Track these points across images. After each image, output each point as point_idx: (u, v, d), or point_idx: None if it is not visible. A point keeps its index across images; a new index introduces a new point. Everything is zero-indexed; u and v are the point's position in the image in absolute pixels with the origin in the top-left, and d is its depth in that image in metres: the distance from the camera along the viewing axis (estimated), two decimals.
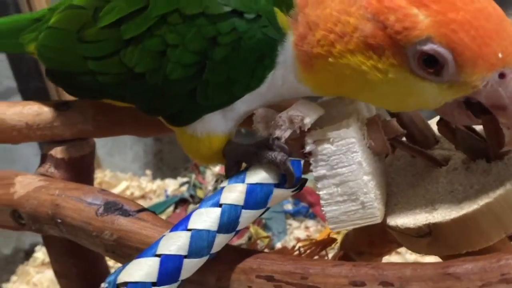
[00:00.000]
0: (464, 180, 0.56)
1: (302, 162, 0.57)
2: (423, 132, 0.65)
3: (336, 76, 0.53)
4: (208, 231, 0.54)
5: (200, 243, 0.54)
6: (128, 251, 0.64)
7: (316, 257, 0.86)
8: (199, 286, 0.58)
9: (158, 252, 0.54)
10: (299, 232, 1.25)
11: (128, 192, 1.59)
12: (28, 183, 0.73)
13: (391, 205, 0.61)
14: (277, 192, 0.57)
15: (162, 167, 1.72)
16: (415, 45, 0.47)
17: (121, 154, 1.86)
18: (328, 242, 0.88)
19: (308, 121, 0.57)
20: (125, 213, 0.65)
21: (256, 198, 0.56)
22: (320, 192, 0.57)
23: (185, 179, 1.55)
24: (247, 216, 0.56)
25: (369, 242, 0.75)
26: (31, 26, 0.76)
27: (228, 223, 0.55)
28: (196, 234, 0.54)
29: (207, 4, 0.55)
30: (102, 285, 0.54)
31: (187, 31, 0.56)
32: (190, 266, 0.54)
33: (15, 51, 0.81)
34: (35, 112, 0.76)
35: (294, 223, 1.29)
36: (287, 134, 0.58)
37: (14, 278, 1.36)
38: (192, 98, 0.58)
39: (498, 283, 0.45)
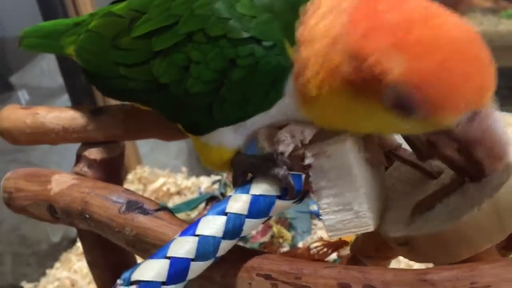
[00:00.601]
0: (445, 198, 0.59)
1: (303, 176, 0.61)
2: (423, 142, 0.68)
3: (327, 112, 0.57)
4: (214, 237, 0.59)
5: (206, 248, 0.59)
6: (146, 246, 0.70)
7: (327, 258, 0.91)
8: (206, 282, 0.63)
9: (168, 255, 0.58)
10: (322, 232, 1.29)
11: (164, 188, 1.66)
12: (63, 181, 0.80)
13: (384, 211, 0.65)
14: (279, 203, 0.61)
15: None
16: (390, 88, 0.48)
17: (163, 150, 1.95)
18: (339, 244, 0.91)
19: (308, 133, 0.62)
20: (145, 212, 0.72)
21: (259, 208, 0.61)
22: (319, 202, 0.61)
23: (217, 177, 1.61)
24: (250, 224, 0.61)
25: (375, 246, 0.78)
26: (72, 30, 0.81)
27: (233, 230, 0.60)
28: (203, 240, 0.59)
29: (230, 28, 0.59)
30: (118, 281, 0.59)
31: (210, 50, 0.60)
32: (196, 268, 0.59)
33: (56, 52, 0.87)
34: (71, 116, 0.83)
35: (319, 223, 1.33)
36: (290, 148, 0.62)
37: (57, 264, 1.45)
38: (209, 112, 0.63)
39: None
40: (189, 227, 0.61)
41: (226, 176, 1.53)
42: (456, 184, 0.59)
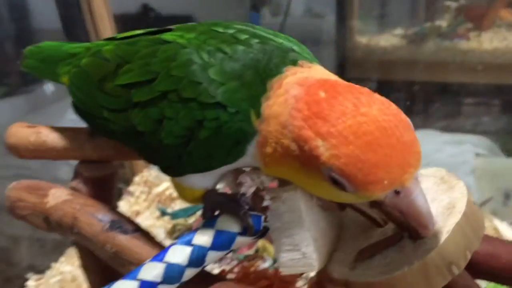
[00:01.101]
0: (384, 250, 0.65)
1: (263, 217, 0.69)
2: None
3: (286, 176, 0.65)
4: (179, 265, 0.67)
5: (172, 273, 0.67)
6: (123, 262, 0.79)
7: (297, 281, 0.98)
8: None
9: (138, 277, 0.66)
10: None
11: (167, 192, 1.74)
12: (58, 195, 0.89)
13: (334, 251, 0.72)
14: (240, 239, 0.69)
15: None
16: (324, 168, 0.56)
17: None
18: None
19: (267, 179, 0.70)
20: (125, 231, 0.80)
21: (222, 242, 0.68)
22: (274, 241, 0.68)
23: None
24: (212, 256, 0.68)
25: None
26: (68, 60, 0.85)
27: (196, 260, 0.67)
28: (170, 267, 0.67)
29: (200, 92, 0.65)
30: None
31: (181, 109, 0.66)
32: None
33: (52, 79, 0.90)
34: (70, 137, 0.91)
35: None
36: (251, 190, 0.70)
37: (62, 259, 1.55)
38: (179, 160, 0.70)
39: None
40: (159, 254, 0.69)
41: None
42: (396, 238, 0.66)
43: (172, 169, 0.73)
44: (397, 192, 0.56)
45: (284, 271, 0.69)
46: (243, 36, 0.69)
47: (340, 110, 0.56)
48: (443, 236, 0.59)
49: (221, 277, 0.77)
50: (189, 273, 0.68)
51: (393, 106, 0.57)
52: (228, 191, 0.77)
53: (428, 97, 2.70)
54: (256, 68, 0.65)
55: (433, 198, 0.67)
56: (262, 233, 0.70)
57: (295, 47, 0.71)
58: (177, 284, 0.68)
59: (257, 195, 0.72)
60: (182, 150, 0.68)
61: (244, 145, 0.65)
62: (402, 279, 0.59)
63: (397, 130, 0.55)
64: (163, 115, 0.68)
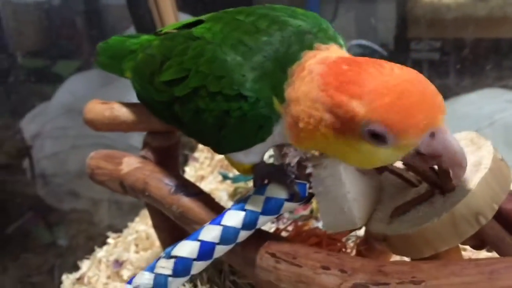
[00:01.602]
0: (417, 205, 0.71)
1: (308, 185, 0.76)
2: None
3: (320, 148, 0.71)
4: (235, 227, 0.75)
5: (228, 236, 0.75)
6: (187, 221, 0.90)
7: (344, 238, 1.06)
8: (230, 252, 0.79)
9: (199, 238, 0.75)
10: None
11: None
12: (131, 163, 1.01)
13: (374, 210, 0.78)
14: (287, 204, 0.77)
15: None
16: (361, 127, 0.61)
17: None
18: None
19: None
20: (188, 194, 0.91)
21: (271, 208, 0.76)
22: (319, 204, 0.75)
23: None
24: (263, 220, 0.76)
25: None
26: (129, 56, 0.96)
27: (249, 223, 0.76)
28: (226, 229, 0.75)
29: (223, 85, 0.72)
30: (162, 254, 0.77)
31: (211, 102, 0.74)
32: (220, 250, 0.76)
33: (120, 75, 1.01)
34: (139, 111, 1.02)
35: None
36: (295, 160, 0.78)
37: (137, 219, 1.70)
38: (219, 143, 0.79)
39: (408, 283, 0.62)
40: (217, 218, 0.77)
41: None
42: (428, 195, 0.71)
43: (216, 149, 0.82)
44: (432, 135, 0.60)
45: (329, 230, 0.77)
46: (263, 24, 0.75)
47: (366, 74, 0.61)
48: (469, 190, 0.64)
49: (275, 235, 0.85)
50: (243, 235, 0.76)
51: (412, 69, 0.62)
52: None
53: (495, 54, 2.61)
54: (275, 59, 0.71)
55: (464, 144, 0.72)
56: (308, 199, 0.77)
57: (312, 28, 0.75)
58: (233, 245, 0.76)
59: (301, 165, 0.79)
60: (218, 135, 0.76)
61: (268, 128, 0.72)
62: (432, 229, 0.65)
63: (421, 83, 0.61)
64: (197, 107, 0.76)
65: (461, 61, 2.55)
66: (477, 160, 0.67)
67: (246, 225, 0.76)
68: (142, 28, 1.98)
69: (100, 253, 1.51)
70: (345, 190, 0.72)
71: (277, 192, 0.76)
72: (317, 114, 0.64)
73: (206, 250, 0.75)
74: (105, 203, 1.75)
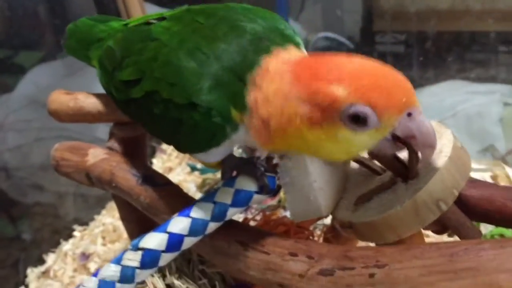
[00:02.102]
0: (381, 193, 0.73)
1: (277, 177, 0.77)
2: None
3: (290, 145, 0.68)
4: (204, 219, 0.75)
5: (197, 227, 0.75)
6: (156, 211, 0.89)
7: (311, 226, 1.08)
8: (199, 242, 0.80)
9: (168, 230, 0.75)
10: None
11: None
12: (97, 154, 1.00)
13: (340, 199, 0.80)
14: (256, 197, 0.77)
15: None
16: (343, 111, 0.60)
17: None
18: None
19: None
20: (156, 185, 0.90)
21: (240, 200, 0.76)
22: (285, 194, 0.76)
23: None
24: (232, 212, 0.77)
25: None
26: (96, 44, 0.95)
27: (218, 215, 0.76)
28: (195, 221, 0.75)
29: (175, 93, 0.72)
30: (129, 247, 0.76)
31: (163, 108, 0.74)
32: (189, 242, 0.76)
33: (86, 62, 0.99)
34: (105, 102, 1.00)
35: None
36: (264, 153, 0.78)
37: (103, 211, 1.68)
38: (177, 144, 0.79)
39: (373, 267, 0.64)
40: (185, 209, 0.77)
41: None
42: (390, 183, 0.73)
43: (176, 148, 0.82)
44: (409, 115, 0.61)
45: (296, 219, 0.78)
46: (222, 30, 0.73)
47: (338, 62, 0.63)
48: (430, 177, 0.66)
49: (244, 224, 0.86)
50: (212, 227, 0.76)
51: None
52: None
53: (457, 47, 2.67)
54: (232, 68, 0.70)
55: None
56: (276, 191, 0.79)
57: (269, 31, 0.74)
58: (201, 236, 0.76)
59: (269, 157, 0.80)
60: (175, 137, 0.77)
61: (222, 135, 0.72)
62: (395, 216, 0.67)
63: (390, 70, 0.63)
64: (152, 110, 0.76)
65: (424, 53, 2.60)
66: (438, 148, 0.70)
67: (215, 217, 0.76)
68: None
69: (66, 246, 1.49)
70: (311, 180, 0.74)
71: (247, 184, 0.77)
72: (290, 109, 0.64)
73: (174, 242, 0.75)
74: (70, 196, 1.72)
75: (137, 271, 0.75)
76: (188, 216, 0.76)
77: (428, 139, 0.63)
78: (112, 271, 0.75)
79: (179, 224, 0.75)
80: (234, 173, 0.81)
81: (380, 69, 0.63)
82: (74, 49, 1.02)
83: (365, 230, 0.72)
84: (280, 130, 0.66)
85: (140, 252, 0.75)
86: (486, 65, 2.68)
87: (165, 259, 0.76)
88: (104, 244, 1.47)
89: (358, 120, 0.61)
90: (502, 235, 1.18)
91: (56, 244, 1.52)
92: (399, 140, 0.64)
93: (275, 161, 0.76)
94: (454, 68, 2.63)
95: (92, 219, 1.64)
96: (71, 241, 1.53)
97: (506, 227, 0.84)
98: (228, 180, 0.79)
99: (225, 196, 0.76)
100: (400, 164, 0.72)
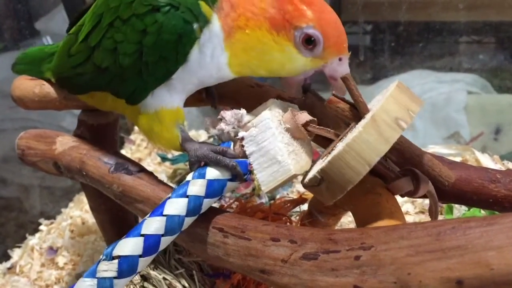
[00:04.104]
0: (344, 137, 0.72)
1: (248, 162, 0.74)
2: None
3: (246, 45, 0.74)
4: (179, 216, 0.72)
5: (173, 225, 0.72)
6: (129, 200, 0.86)
7: (290, 212, 1.06)
8: None
9: (142, 233, 0.71)
10: (300, 186, 1.43)
11: None
12: (65, 142, 0.96)
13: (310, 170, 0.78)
14: (230, 184, 0.75)
15: (197, 119, 1.91)
16: (302, 29, 0.71)
17: None
18: (300, 201, 1.07)
19: (246, 118, 0.75)
20: (129, 172, 0.87)
21: (214, 190, 0.74)
22: (253, 165, 0.74)
23: (213, 132, 1.74)
24: (207, 203, 0.74)
25: (323, 204, 0.93)
26: (48, 59, 0.96)
27: (194, 209, 0.73)
28: (170, 219, 0.72)
29: (135, 7, 0.75)
30: (101, 257, 0.71)
31: (126, 29, 0.76)
32: (166, 241, 0.72)
33: (38, 76, 1.00)
34: None
35: (298, 177, 1.45)
36: (229, 127, 0.76)
37: (71, 204, 1.63)
38: (141, 77, 0.77)
39: (358, 249, 0.63)
40: (157, 209, 0.73)
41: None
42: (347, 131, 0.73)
43: (137, 93, 0.80)
44: (340, 60, 0.74)
45: (266, 188, 0.74)
46: None
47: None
48: (384, 99, 0.67)
49: (221, 209, 0.84)
50: (188, 222, 0.74)
51: None
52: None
53: (421, 36, 2.71)
54: None
55: (378, 100, 0.74)
56: (249, 173, 0.76)
57: None
58: (178, 233, 0.73)
59: (235, 138, 0.77)
60: (139, 65, 0.76)
61: (189, 37, 0.74)
62: (360, 139, 0.66)
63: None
64: (115, 42, 0.77)
65: (391, 43, 2.63)
66: (386, 90, 0.72)
67: (191, 211, 0.73)
68: (72, 7, 1.88)
69: (33, 240, 1.44)
70: (276, 141, 0.72)
71: (218, 174, 0.74)
72: (262, 5, 0.73)
73: (151, 244, 0.71)
74: (35, 189, 1.66)
75: (115, 281, 0.71)
76: (161, 215, 0.72)
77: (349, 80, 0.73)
78: (88, 285, 0.70)
79: (153, 224, 0.72)
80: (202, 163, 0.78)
81: (335, 15, 0.75)
82: (24, 70, 1.03)
83: (334, 171, 0.69)
84: (244, 19, 0.73)
85: (115, 261, 0.70)
86: (450, 55, 2.73)
87: (143, 263, 0.72)
88: (72, 238, 1.43)
89: (307, 43, 0.72)
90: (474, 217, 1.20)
91: (22, 239, 1.46)
92: None
93: (240, 134, 0.74)
94: (421, 57, 2.67)
95: (59, 212, 1.59)
96: (37, 235, 1.48)
97: (484, 209, 0.85)
98: (198, 172, 0.76)
99: (198, 189, 0.73)
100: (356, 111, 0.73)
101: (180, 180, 1.59)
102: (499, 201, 0.79)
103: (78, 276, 1.27)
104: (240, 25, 0.73)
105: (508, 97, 2.37)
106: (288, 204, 1.05)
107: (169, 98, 0.79)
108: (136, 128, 1.94)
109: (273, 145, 0.72)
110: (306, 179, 0.75)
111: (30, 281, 1.29)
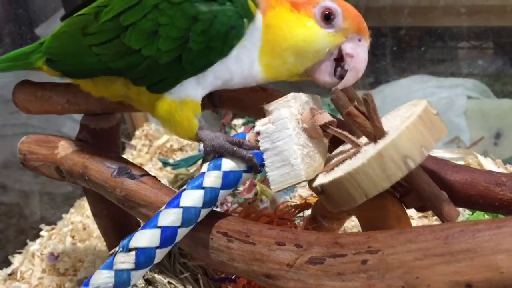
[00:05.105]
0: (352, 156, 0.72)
1: (263, 154, 0.73)
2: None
3: (274, 24, 0.77)
4: (196, 207, 0.72)
5: (189, 216, 0.72)
6: (132, 204, 0.85)
7: (294, 216, 1.06)
8: None
9: (159, 224, 0.71)
10: (302, 191, 1.42)
11: (168, 144, 1.80)
12: (68, 147, 0.95)
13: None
14: (245, 176, 0.75)
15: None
16: (319, 3, 0.76)
17: None
18: (304, 206, 1.06)
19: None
20: (132, 176, 0.86)
21: (230, 181, 0.74)
22: (265, 162, 0.74)
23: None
24: (223, 194, 0.74)
25: (327, 209, 0.92)
26: (37, 49, 0.92)
27: (210, 201, 0.73)
28: (187, 210, 0.72)
29: None
30: (117, 248, 0.71)
31: (175, 13, 0.75)
32: (182, 233, 0.72)
33: (25, 69, 0.95)
34: (74, 92, 0.96)
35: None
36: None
37: (72, 210, 1.62)
38: (178, 64, 0.76)
39: (365, 253, 0.62)
40: (172, 200, 0.73)
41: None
42: (356, 151, 0.72)
43: (166, 80, 0.79)
44: (359, 40, 0.78)
45: (276, 188, 0.74)
46: None
47: None
48: (397, 133, 0.65)
49: (225, 213, 0.83)
50: (204, 213, 0.74)
51: None
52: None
53: (421, 42, 2.72)
54: None
55: (401, 116, 0.73)
56: (262, 166, 0.75)
57: None
58: (194, 225, 0.74)
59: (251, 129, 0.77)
60: (180, 50, 0.76)
61: (238, 30, 0.75)
62: (361, 170, 0.65)
63: None
64: (157, 24, 0.76)
65: (392, 48, 2.63)
66: (411, 112, 0.69)
67: (207, 202, 0.73)
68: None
69: (33, 246, 1.43)
70: (292, 142, 0.72)
71: (234, 165, 0.74)
72: None
73: (168, 235, 0.71)
74: (36, 195, 1.66)
75: (132, 273, 0.71)
76: (178, 206, 0.72)
77: (360, 64, 0.78)
78: (105, 277, 0.70)
79: (170, 216, 0.72)
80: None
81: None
82: (8, 67, 0.96)
83: (333, 190, 0.69)
84: (274, 1, 0.78)
85: (133, 253, 0.70)
86: (450, 60, 2.74)
87: (160, 255, 0.72)
88: (73, 243, 1.42)
89: (326, 19, 0.76)
90: None
91: (23, 245, 1.45)
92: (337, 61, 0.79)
93: (256, 128, 0.74)
94: (421, 62, 2.67)
95: (60, 218, 1.58)
96: (38, 241, 1.47)
97: (490, 212, 0.84)
98: (214, 163, 0.75)
99: (214, 180, 0.73)
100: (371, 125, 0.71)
101: (181, 185, 1.59)
102: (505, 205, 0.79)
103: (80, 282, 1.26)
104: (272, 4, 0.78)
105: (508, 102, 2.37)
106: (293, 209, 1.05)
107: (195, 90, 0.80)
108: (137, 133, 1.93)
109: (287, 146, 0.72)
110: (312, 183, 0.75)
111: (31, 287, 1.28)
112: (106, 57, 0.81)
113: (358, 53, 0.77)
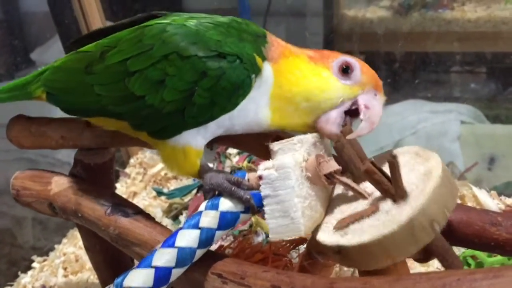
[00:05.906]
0: (370, 216, 0.71)
1: (262, 194, 0.73)
2: (359, 168, 0.79)
3: (287, 69, 0.79)
4: (191, 248, 0.71)
5: (184, 256, 0.71)
6: (126, 243, 0.84)
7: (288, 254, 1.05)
8: None
9: (153, 264, 0.70)
10: None
11: (162, 173, 1.79)
12: (61, 183, 0.94)
13: (323, 222, 0.77)
14: (243, 216, 0.74)
15: None
16: (338, 58, 0.78)
17: None
18: (299, 241, 1.05)
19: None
20: (126, 214, 0.86)
21: (227, 222, 0.73)
22: (265, 208, 0.73)
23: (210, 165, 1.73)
24: (219, 234, 0.73)
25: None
26: (36, 78, 0.90)
27: (206, 241, 0.72)
28: (182, 251, 0.71)
29: (199, 49, 0.75)
30: (110, 286, 0.70)
31: (184, 66, 0.75)
32: (177, 273, 0.72)
33: (24, 99, 0.93)
34: (69, 126, 0.96)
35: None
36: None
37: (64, 240, 1.59)
38: (180, 116, 0.76)
39: None
40: (168, 239, 0.73)
41: (216, 166, 1.65)
42: (371, 210, 0.71)
43: (168, 129, 0.78)
44: (375, 95, 0.79)
45: (274, 237, 0.73)
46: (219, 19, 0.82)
47: None
48: (425, 197, 0.64)
49: (219, 253, 0.82)
50: (200, 253, 0.73)
51: None
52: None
53: (414, 67, 2.74)
54: (244, 30, 0.80)
55: (411, 169, 0.73)
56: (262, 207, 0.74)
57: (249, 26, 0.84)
58: (189, 265, 0.72)
59: (251, 169, 0.77)
60: (184, 103, 0.76)
61: (244, 89, 0.76)
62: (391, 237, 0.64)
63: None
64: (165, 74, 0.76)
65: (384, 73, 2.65)
66: (427, 169, 0.69)
67: (203, 243, 0.72)
68: (68, 38, 1.88)
69: (25, 279, 1.41)
70: (293, 194, 0.71)
71: (232, 205, 0.74)
72: (299, 51, 0.81)
73: (162, 276, 0.71)
74: (28, 222, 1.64)
75: None
76: (173, 246, 0.71)
77: (375, 117, 0.78)
78: None
79: (164, 256, 0.71)
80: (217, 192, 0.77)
81: None
82: (6, 98, 0.94)
83: (356, 254, 0.68)
84: (288, 52, 0.80)
85: None
86: (442, 85, 2.76)
87: None
88: (65, 276, 1.40)
89: (344, 72, 0.78)
90: (473, 256, 1.19)
91: (14, 277, 1.43)
92: (350, 114, 0.80)
93: (259, 172, 0.73)
94: (415, 87, 2.69)
95: (53, 248, 1.56)
96: (30, 273, 1.45)
97: (486, 251, 0.84)
98: (211, 202, 0.75)
99: (211, 220, 0.73)
100: (389, 182, 0.70)
101: (175, 215, 1.57)
102: (501, 245, 0.78)
103: None
104: (285, 54, 0.80)
105: (501, 127, 2.38)
106: (288, 244, 1.04)
107: (196, 140, 0.79)
108: (131, 161, 1.93)
109: (289, 197, 0.71)
110: (320, 238, 0.73)
111: None
112: (107, 99, 0.80)
113: (374, 106, 0.78)
